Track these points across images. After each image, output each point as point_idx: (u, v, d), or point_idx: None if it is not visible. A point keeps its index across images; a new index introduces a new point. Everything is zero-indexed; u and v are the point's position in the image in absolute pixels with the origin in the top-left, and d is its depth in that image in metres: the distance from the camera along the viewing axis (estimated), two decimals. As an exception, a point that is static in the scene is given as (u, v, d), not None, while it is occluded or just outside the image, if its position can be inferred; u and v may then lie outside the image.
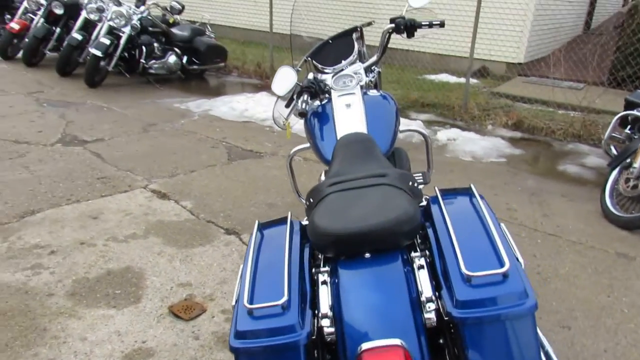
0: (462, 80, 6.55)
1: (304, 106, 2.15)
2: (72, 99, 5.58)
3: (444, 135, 5.16)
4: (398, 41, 2.65)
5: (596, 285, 2.60)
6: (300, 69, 2.37)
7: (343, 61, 2.41)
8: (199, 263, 2.61)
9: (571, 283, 2.61)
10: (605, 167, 4.00)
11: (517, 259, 1.39)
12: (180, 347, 2.02)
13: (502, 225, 1.62)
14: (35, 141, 4.21)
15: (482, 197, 1.59)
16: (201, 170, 3.83)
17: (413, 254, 1.38)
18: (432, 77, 7.57)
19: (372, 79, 2.49)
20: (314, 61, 2.43)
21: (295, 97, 2.22)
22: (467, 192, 1.63)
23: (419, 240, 1.50)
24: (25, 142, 4.18)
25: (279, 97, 2.23)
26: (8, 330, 2.07)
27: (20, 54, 7.00)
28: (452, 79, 7.52)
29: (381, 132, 2.08)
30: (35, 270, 2.48)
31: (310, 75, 2.28)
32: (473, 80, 7.20)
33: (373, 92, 2.28)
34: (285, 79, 2.19)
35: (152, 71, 6.50)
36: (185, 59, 6.80)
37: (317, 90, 2.22)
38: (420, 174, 2.54)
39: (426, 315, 1.26)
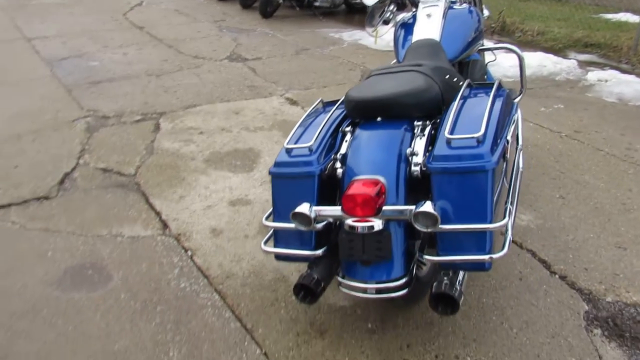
0: (643, 19, 5.85)
1: (388, 15, 2.48)
2: (246, 27, 6.48)
3: (595, 76, 4.83)
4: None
5: (685, 224, 2.50)
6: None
7: (442, -23, 2.61)
8: (303, 152, 3.16)
9: (656, 217, 2.55)
10: None
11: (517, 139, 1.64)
12: (270, 201, 2.62)
13: (518, 113, 1.81)
14: (209, 57, 5.15)
15: (502, 91, 1.80)
16: (332, 86, 4.35)
17: (416, 123, 1.69)
18: (610, 16, 6.84)
19: (469, -4, 2.65)
20: (414, -23, 2.68)
21: (385, 8, 2.54)
22: (492, 86, 1.85)
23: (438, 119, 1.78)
24: (202, 57, 5.14)
25: (370, 7, 2.57)
26: (161, 176, 2.89)
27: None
28: (635, 18, 6.70)
29: (452, 40, 2.30)
30: (187, 142, 3.29)
31: (402, -11, 2.57)
32: (660, 21, 6.35)
33: (460, 7, 2.47)
34: (376, -9, 2.52)
35: (317, 4, 7.10)
36: (348, -8, 7.26)
37: (404, 1, 2.50)
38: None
39: (413, 168, 1.60)
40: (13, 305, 1.93)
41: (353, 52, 5.45)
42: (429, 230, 1.46)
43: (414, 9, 2.52)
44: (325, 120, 1.84)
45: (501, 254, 1.46)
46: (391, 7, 2.50)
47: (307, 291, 1.61)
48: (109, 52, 5.28)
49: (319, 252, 1.64)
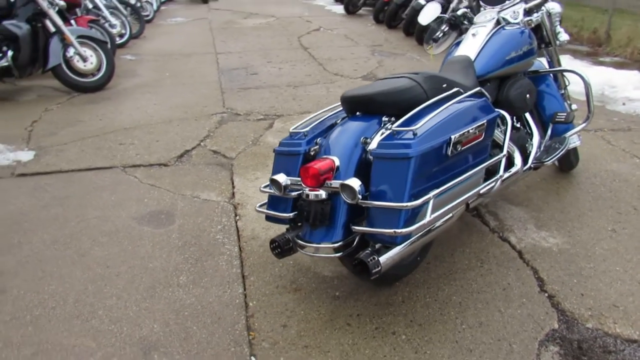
0: None
1: (438, 34, 2.69)
2: (398, 52, 6.91)
3: None
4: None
5: None
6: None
7: (507, 1, 2.72)
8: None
9: None
10: None
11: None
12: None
13: (508, 123, 1.96)
14: (347, 75, 5.71)
15: (473, 98, 1.95)
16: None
17: (384, 118, 1.94)
18: None
19: (535, 20, 2.68)
20: (480, 1, 2.82)
21: (440, 27, 2.75)
22: (478, 96, 2.00)
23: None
24: (340, 75, 5.73)
25: (431, 26, 2.78)
26: (252, 161, 3.49)
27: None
28: None
29: (485, 58, 2.44)
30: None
31: (460, 12, 2.74)
32: None
33: (511, 27, 2.56)
34: (430, 11, 2.75)
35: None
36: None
37: (456, 22, 2.68)
38: (565, 114, 2.64)
39: (368, 156, 1.86)
40: (105, 227, 2.68)
41: (487, 79, 5.45)
42: (352, 202, 1.72)
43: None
44: (330, 114, 2.20)
45: (404, 229, 1.64)
46: (443, 27, 2.70)
47: (280, 247, 1.98)
48: (269, 66, 6.22)
49: (291, 214, 2.00)
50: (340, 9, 11.00)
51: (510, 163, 2.40)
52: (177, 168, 3.43)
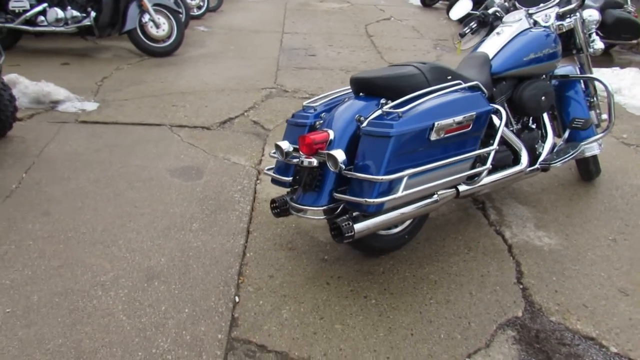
0: None
1: (466, 30, 2.78)
2: (461, 47, 6.86)
3: None
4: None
5: None
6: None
7: (541, 4, 2.75)
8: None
9: None
10: None
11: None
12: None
13: (503, 118, 2.09)
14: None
15: (468, 91, 2.07)
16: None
17: (382, 101, 2.10)
18: None
19: (566, 25, 2.70)
20: (516, 2, 2.86)
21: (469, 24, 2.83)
22: (474, 89, 2.12)
23: None
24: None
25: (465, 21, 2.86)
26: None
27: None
28: None
29: (503, 57, 2.52)
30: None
31: (491, 10, 2.80)
32: None
33: (537, 29, 2.61)
34: (461, 7, 2.83)
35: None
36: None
37: (484, 20, 2.75)
38: (582, 120, 2.67)
39: (360, 132, 2.04)
40: (142, 174, 3.03)
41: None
42: (335, 170, 1.91)
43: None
44: (342, 93, 2.38)
45: (375, 200, 1.81)
46: (472, 24, 2.78)
47: (278, 207, 2.21)
48: (330, 49, 6.42)
49: (290, 178, 2.21)
50: (417, 0, 10.94)
51: (516, 161, 2.48)
52: (217, 132, 3.73)
